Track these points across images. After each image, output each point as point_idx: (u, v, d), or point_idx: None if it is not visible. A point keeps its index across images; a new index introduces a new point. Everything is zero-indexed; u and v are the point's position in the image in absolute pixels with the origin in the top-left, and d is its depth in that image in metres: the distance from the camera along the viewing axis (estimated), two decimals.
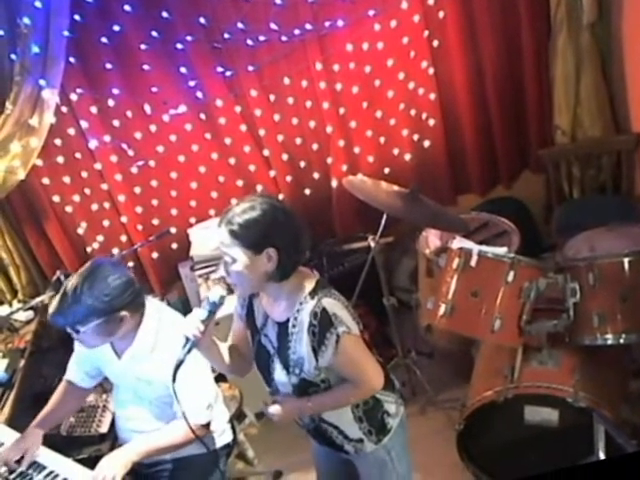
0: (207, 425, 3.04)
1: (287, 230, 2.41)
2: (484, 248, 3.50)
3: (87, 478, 2.88)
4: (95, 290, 2.74)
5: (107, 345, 3.02)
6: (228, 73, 4.54)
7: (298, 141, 4.89)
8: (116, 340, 2.97)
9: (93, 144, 4.54)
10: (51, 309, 2.82)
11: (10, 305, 4.62)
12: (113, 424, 3.51)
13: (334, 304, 2.46)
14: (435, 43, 4.74)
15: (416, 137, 4.99)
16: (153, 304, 3.05)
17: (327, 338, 2.41)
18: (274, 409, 2.65)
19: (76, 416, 3.70)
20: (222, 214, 2.41)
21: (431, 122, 4.93)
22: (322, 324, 2.41)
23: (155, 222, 4.90)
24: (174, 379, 2.41)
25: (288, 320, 2.51)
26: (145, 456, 2.97)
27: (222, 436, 3.31)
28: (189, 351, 2.43)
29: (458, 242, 3.58)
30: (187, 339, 2.42)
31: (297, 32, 4.47)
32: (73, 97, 4.40)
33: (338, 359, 2.46)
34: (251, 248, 2.35)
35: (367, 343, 2.60)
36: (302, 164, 4.96)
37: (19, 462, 3.04)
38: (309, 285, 2.51)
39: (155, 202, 4.86)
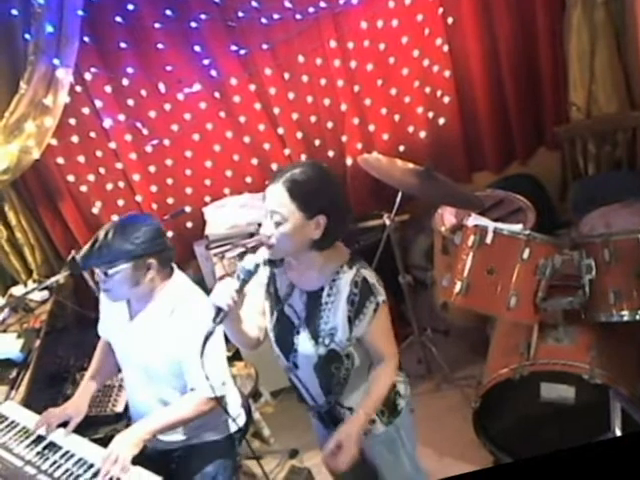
0: (221, 398, 2.99)
1: (339, 200, 2.44)
2: (499, 225, 3.48)
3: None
4: (126, 233, 2.79)
5: (123, 305, 3.04)
6: (242, 51, 4.52)
7: (313, 119, 4.88)
8: (134, 300, 2.99)
9: (107, 123, 4.53)
10: (81, 253, 2.88)
11: (25, 285, 4.62)
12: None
13: (372, 275, 2.50)
14: (450, 20, 4.72)
15: (431, 114, 4.97)
16: (177, 272, 3.06)
17: (366, 307, 2.44)
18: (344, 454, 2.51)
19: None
20: (277, 172, 2.41)
21: (446, 99, 4.91)
22: (363, 293, 2.44)
23: (170, 201, 4.90)
24: (202, 353, 2.35)
25: (321, 289, 2.51)
26: (157, 432, 2.96)
27: (236, 421, 3.31)
28: (221, 321, 2.35)
29: (473, 219, 3.56)
30: (219, 309, 2.33)
31: (311, 10, 4.45)
32: (87, 76, 4.39)
33: (373, 328, 2.49)
34: (305, 211, 2.34)
35: None
36: (317, 142, 4.95)
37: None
38: (344, 256, 2.53)
39: (170, 181, 4.85)
